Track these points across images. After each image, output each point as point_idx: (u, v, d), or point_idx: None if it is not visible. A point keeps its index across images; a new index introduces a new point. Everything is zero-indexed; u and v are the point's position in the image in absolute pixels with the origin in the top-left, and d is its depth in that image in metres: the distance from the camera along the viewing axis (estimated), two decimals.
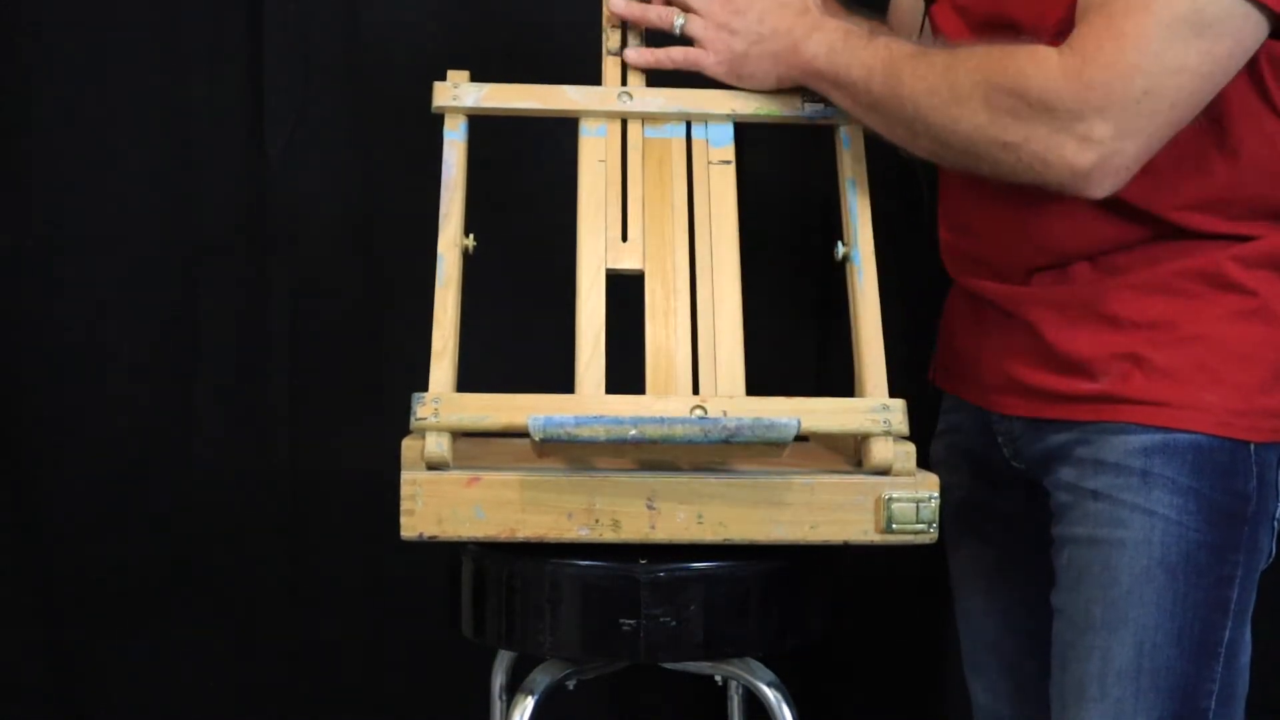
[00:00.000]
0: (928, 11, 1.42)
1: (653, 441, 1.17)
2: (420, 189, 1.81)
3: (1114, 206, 1.23)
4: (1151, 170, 1.20)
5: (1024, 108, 1.17)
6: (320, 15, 1.85)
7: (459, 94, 1.38)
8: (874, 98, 1.28)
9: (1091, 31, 1.16)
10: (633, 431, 1.16)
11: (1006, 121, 1.19)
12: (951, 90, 1.22)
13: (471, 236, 1.34)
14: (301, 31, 1.85)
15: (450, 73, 1.40)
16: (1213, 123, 1.21)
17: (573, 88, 1.39)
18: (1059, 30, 1.25)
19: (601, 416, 1.17)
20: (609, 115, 1.39)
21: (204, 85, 1.86)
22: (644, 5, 1.42)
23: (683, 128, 1.39)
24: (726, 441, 1.17)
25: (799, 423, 1.17)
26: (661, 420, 1.17)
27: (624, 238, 1.33)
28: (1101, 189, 1.19)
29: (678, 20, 1.39)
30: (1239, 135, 1.20)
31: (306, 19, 1.85)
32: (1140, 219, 1.25)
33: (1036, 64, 1.18)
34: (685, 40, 1.39)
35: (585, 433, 1.16)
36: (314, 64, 1.86)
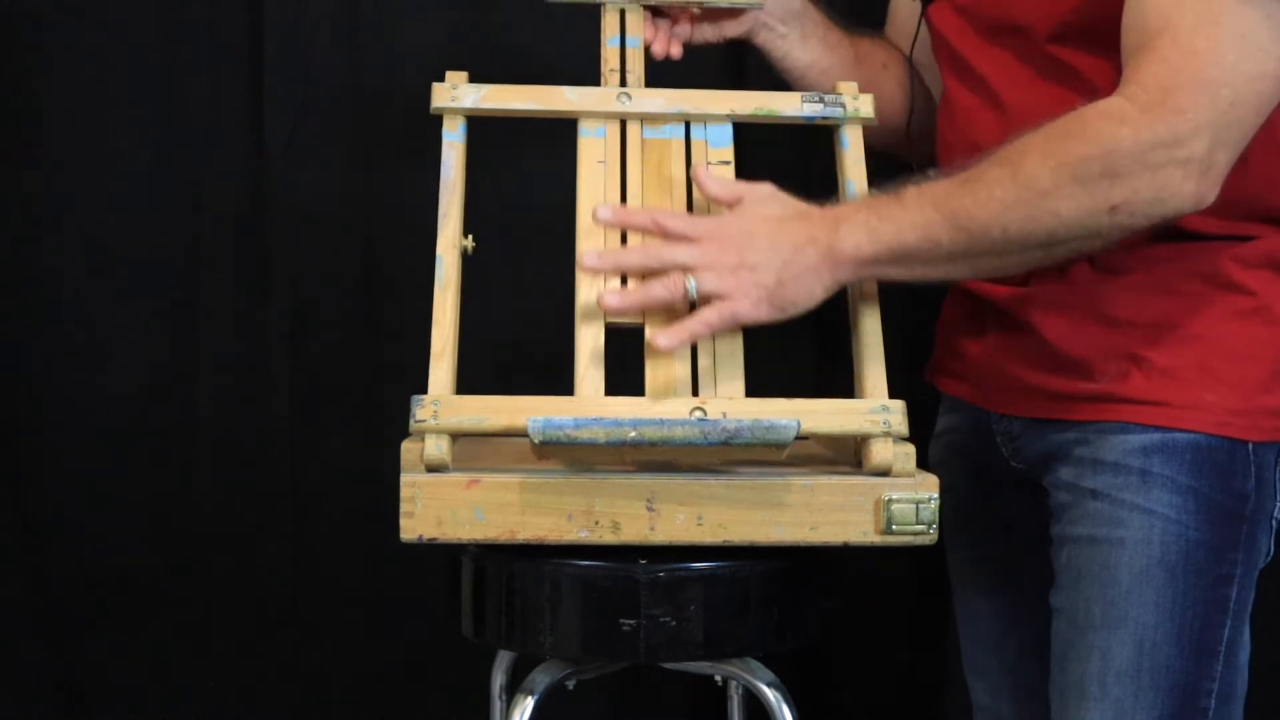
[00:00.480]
0: (924, 13, 1.42)
1: (652, 444, 1.17)
2: (419, 189, 1.81)
3: None
4: None
5: (1120, 164, 1.14)
6: (320, 15, 1.85)
7: (457, 95, 1.38)
8: (946, 249, 1.20)
9: (1161, 58, 1.15)
10: (632, 434, 1.16)
11: (1106, 186, 1.15)
12: (1033, 189, 1.16)
13: (470, 237, 1.34)
14: (301, 31, 1.85)
15: (449, 74, 1.40)
16: None
17: (571, 89, 1.39)
18: (1060, 33, 1.25)
19: (601, 418, 1.17)
20: (608, 116, 1.38)
21: (204, 85, 1.86)
22: (644, 285, 1.24)
23: (682, 128, 1.39)
24: (726, 444, 1.17)
25: (799, 424, 1.17)
26: (661, 422, 1.17)
27: (624, 239, 1.33)
28: (1207, 202, 1.17)
29: (690, 284, 1.21)
30: (1250, 143, 1.20)
31: (306, 19, 1.85)
32: None
33: (1111, 118, 1.15)
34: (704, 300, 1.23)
35: (584, 435, 1.16)
36: (314, 64, 1.86)
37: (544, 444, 1.16)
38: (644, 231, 1.26)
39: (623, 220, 1.28)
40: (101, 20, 1.85)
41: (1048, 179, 1.16)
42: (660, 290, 1.22)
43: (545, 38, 1.85)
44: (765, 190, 1.27)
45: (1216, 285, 1.26)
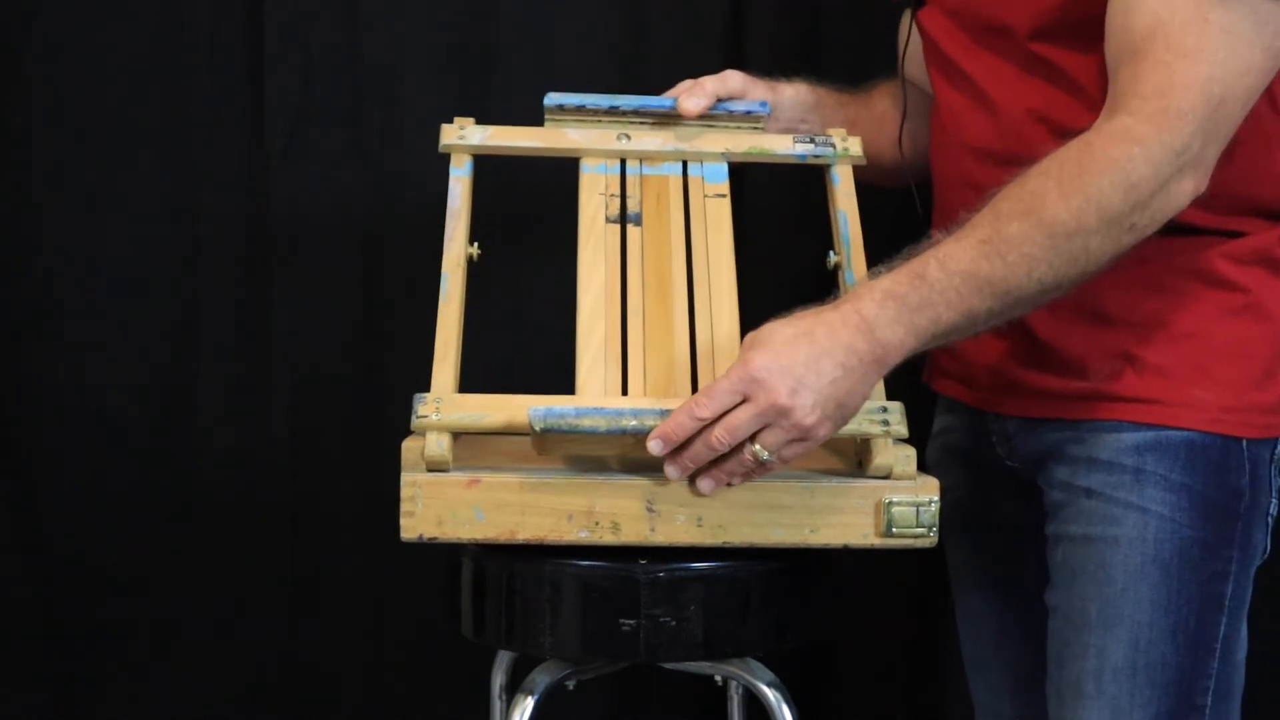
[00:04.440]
0: (914, 18, 1.42)
1: None
2: (419, 189, 1.81)
3: None
4: None
5: (1142, 188, 1.14)
6: (320, 15, 1.85)
7: (465, 135, 1.43)
8: (984, 316, 1.16)
9: (1156, 62, 1.15)
10: (632, 422, 1.17)
11: (1126, 212, 1.14)
12: (1060, 234, 1.14)
13: (476, 245, 1.36)
14: (301, 32, 1.85)
15: (457, 119, 1.44)
16: None
17: (573, 129, 1.44)
18: (1041, 31, 1.25)
19: (602, 408, 1.18)
20: (608, 154, 1.43)
21: (204, 85, 1.86)
22: (722, 468, 1.18)
23: (679, 166, 1.44)
24: None
25: None
26: (661, 412, 1.17)
27: (624, 253, 1.35)
28: (1200, 192, 1.18)
29: (763, 456, 1.15)
30: (1238, 135, 1.20)
31: (306, 19, 1.85)
32: None
33: (1122, 140, 1.15)
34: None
35: (585, 423, 1.17)
36: (314, 64, 1.86)
37: (545, 432, 1.17)
38: (696, 433, 1.17)
39: (672, 439, 1.17)
40: (101, 20, 1.85)
41: (1073, 220, 1.14)
42: (737, 467, 1.17)
43: (546, 38, 1.85)
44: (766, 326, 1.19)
45: (1208, 282, 1.26)
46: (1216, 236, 1.26)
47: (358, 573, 1.90)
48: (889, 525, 1.23)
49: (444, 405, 1.23)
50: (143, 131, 1.86)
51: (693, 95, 1.42)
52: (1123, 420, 1.26)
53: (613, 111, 1.44)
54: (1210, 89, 1.14)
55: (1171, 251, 1.25)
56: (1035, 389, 1.32)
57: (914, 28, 1.43)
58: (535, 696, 1.31)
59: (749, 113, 1.44)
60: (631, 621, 1.24)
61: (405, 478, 1.22)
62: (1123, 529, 1.25)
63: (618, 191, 1.40)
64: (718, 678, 1.48)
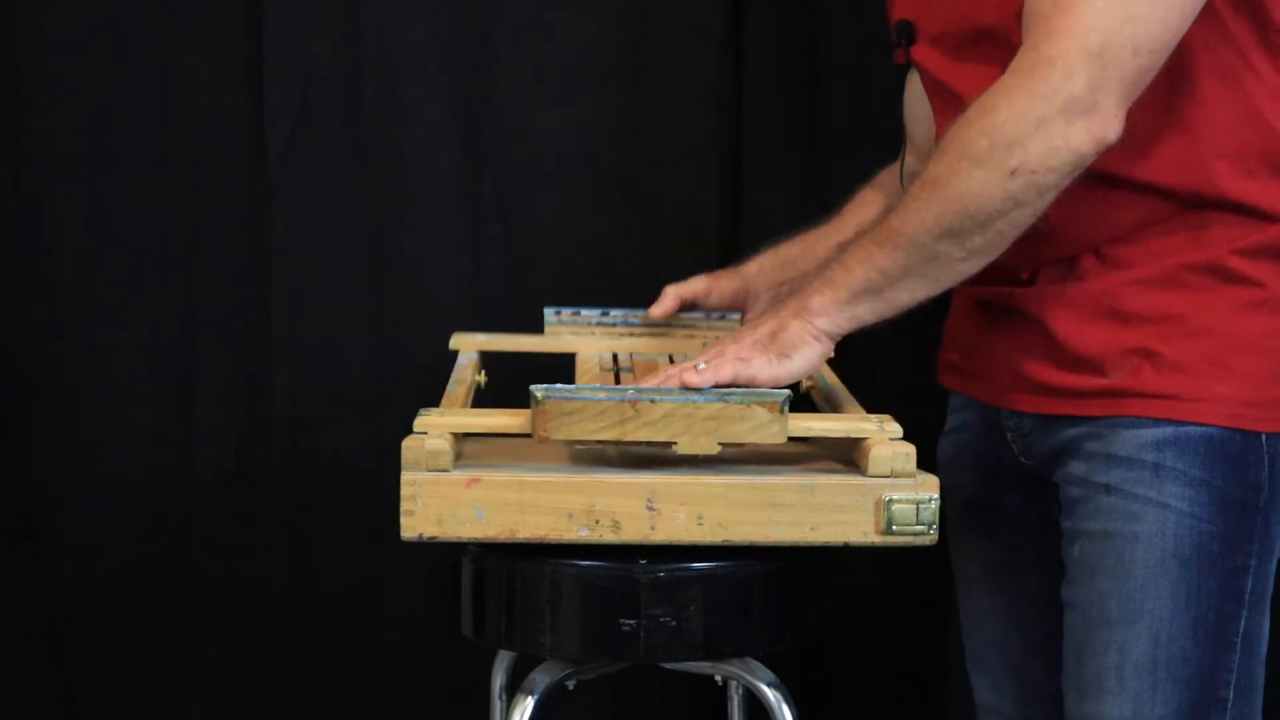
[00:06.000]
0: (910, 58, 1.43)
1: (652, 401, 1.20)
2: (419, 190, 1.82)
3: (1109, 183, 1.25)
4: (1129, 137, 1.21)
5: (1004, 131, 1.18)
6: (320, 16, 1.85)
7: (474, 339, 1.57)
8: (891, 270, 1.25)
9: (1038, 21, 1.19)
10: (630, 392, 1.20)
11: (1000, 155, 1.18)
12: (935, 183, 1.22)
13: (484, 373, 1.47)
14: (301, 32, 1.85)
15: (466, 334, 1.59)
16: (1169, 77, 1.23)
17: (571, 335, 1.59)
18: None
19: (601, 384, 1.21)
20: (601, 349, 1.56)
21: (204, 85, 1.86)
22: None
23: (667, 357, 1.55)
24: (721, 401, 1.20)
25: (790, 392, 1.21)
26: (660, 390, 1.21)
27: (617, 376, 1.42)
28: (1108, 140, 1.19)
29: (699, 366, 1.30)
30: (1200, 83, 1.22)
31: (306, 19, 1.85)
32: (1138, 190, 1.26)
33: (991, 93, 1.20)
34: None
35: (585, 392, 1.20)
36: (314, 64, 1.86)
37: (547, 399, 1.18)
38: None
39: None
40: (101, 20, 1.85)
41: (945, 169, 1.21)
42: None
43: (545, 38, 1.85)
44: None
45: (1224, 278, 1.27)
46: (1239, 216, 1.26)
47: (358, 573, 1.90)
48: (889, 523, 1.23)
49: (445, 404, 1.24)
50: (143, 132, 1.87)
51: (659, 304, 1.56)
52: (1141, 416, 1.27)
53: (603, 320, 1.60)
54: (1085, 37, 1.16)
55: (1186, 247, 1.26)
56: (1052, 386, 1.32)
57: (911, 67, 1.45)
58: (535, 696, 1.31)
59: (724, 316, 1.59)
60: (631, 621, 1.24)
61: (405, 476, 1.22)
62: (1142, 525, 1.25)
63: (612, 366, 1.51)
64: (718, 678, 1.48)
